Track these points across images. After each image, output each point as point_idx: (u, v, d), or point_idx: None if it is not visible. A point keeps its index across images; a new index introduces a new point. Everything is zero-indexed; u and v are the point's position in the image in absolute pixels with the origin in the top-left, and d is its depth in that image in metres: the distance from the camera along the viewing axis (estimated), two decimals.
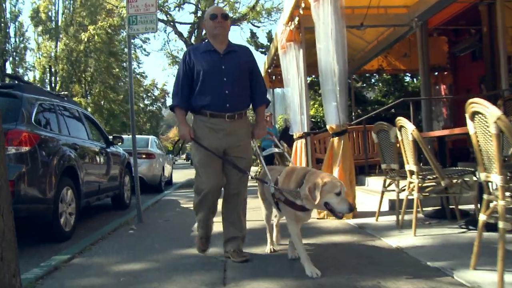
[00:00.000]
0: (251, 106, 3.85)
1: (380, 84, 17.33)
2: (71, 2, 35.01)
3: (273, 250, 3.83)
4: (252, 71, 3.74)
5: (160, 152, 13.12)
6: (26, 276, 3.25)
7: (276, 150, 4.66)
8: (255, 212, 4.84)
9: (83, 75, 35.23)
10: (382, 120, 5.05)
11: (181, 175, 18.90)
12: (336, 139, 5.29)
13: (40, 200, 4.70)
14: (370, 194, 6.39)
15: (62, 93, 7.00)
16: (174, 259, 3.76)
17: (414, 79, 16.83)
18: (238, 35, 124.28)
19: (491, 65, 10.27)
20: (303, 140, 7.16)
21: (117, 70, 36.47)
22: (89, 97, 35.67)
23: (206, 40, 3.84)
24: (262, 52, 17.63)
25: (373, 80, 17.45)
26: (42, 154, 4.83)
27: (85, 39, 21.00)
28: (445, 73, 14.01)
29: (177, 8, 13.67)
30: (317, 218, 5.28)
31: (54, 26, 34.43)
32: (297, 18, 7.03)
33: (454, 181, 4.07)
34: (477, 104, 2.58)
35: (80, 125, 6.76)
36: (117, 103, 36.46)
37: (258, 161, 7.62)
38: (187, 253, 3.95)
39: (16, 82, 6.24)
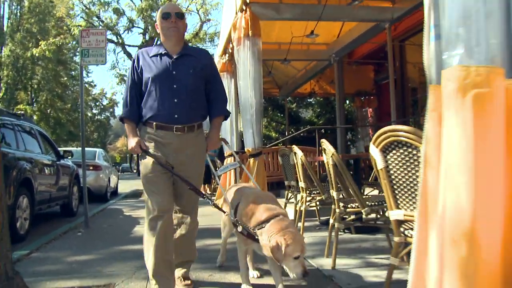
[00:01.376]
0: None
1: (315, 105, 18.91)
2: (18, 7, 34.85)
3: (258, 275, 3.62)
4: (210, 78, 3.35)
5: (107, 164, 13.97)
6: None
7: (234, 166, 4.40)
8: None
9: (30, 82, 35.04)
10: (313, 139, 6.28)
11: (127, 186, 19.63)
12: (251, 160, 6.50)
13: None
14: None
15: (18, 112, 7.88)
16: (114, 252, 4.81)
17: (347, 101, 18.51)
18: None
19: (401, 95, 11.95)
20: (232, 158, 8.35)
21: (65, 78, 36.54)
22: (35, 105, 35.49)
23: (159, 43, 3.39)
24: None
25: (308, 101, 18.99)
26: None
27: (36, 54, 21.27)
28: (371, 97, 15.69)
29: (126, 31, 14.73)
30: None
31: None
32: (230, 51, 8.25)
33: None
34: (323, 142, 3.85)
35: (34, 141, 7.66)
36: (65, 112, 36.48)
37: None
38: (125, 249, 5.01)
39: None
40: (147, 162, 3.13)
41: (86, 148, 12.24)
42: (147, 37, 14.75)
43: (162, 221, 3.05)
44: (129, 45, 14.58)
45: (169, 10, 3.23)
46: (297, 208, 5.60)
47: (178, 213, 3.38)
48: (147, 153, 3.12)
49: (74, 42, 19.71)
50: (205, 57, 3.39)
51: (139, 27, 15.02)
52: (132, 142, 3.16)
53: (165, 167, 3.10)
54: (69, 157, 9.05)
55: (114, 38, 14.62)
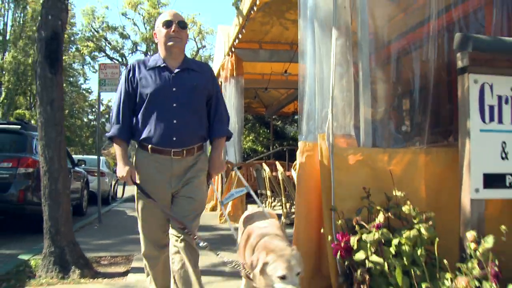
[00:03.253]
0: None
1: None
2: (21, 15, 36.36)
3: None
4: (212, 95, 2.96)
5: (108, 170, 15.62)
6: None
7: (240, 193, 3.77)
8: None
9: (29, 88, 36.42)
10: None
11: (127, 190, 21.21)
12: (233, 172, 8.23)
13: (38, 203, 7.30)
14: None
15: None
16: (127, 239, 6.51)
17: None
18: None
19: None
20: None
21: (64, 84, 37.93)
22: (33, 109, 36.83)
23: (156, 54, 2.99)
24: None
25: (294, 118, 20.79)
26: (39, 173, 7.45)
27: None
28: None
29: (131, 53, 16.57)
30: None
31: (1, 39, 35.47)
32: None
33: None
34: (277, 163, 5.59)
35: None
36: None
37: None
38: (135, 237, 6.61)
39: (20, 122, 8.80)
40: (140, 195, 2.85)
41: (91, 156, 13.97)
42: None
43: (154, 261, 2.97)
44: None
45: (171, 18, 2.81)
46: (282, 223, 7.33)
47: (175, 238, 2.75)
48: (139, 188, 2.81)
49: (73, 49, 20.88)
50: (208, 72, 3.02)
51: (142, 51, 16.85)
52: (123, 171, 2.77)
53: (162, 210, 2.79)
54: (82, 165, 10.71)
55: (119, 58, 16.39)
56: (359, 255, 2.51)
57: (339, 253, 2.60)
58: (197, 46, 16.82)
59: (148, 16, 15.44)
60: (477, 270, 2.42)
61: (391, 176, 2.85)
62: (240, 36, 7.23)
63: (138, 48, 16.54)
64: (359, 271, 2.48)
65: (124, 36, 16.20)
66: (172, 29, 2.80)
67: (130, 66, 2.93)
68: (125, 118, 2.85)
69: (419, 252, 2.53)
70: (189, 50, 19.97)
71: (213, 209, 9.91)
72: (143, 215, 2.90)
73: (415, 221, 2.63)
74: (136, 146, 2.93)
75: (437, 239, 2.52)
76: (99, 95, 9.09)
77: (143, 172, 2.85)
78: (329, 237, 2.79)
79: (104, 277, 4.28)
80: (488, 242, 2.45)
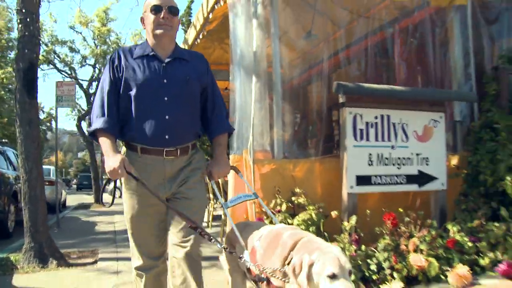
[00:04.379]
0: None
1: None
2: None
3: None
4: (207, 87, 2.66)
5: (59, 180, 16.21)
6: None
7: (249, 198, 2.93)
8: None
9: None
10: None
11: (72, 199, 21.63)
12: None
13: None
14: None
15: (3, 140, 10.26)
16: (89, 238, 7.46)
17: None
18: None
19: None
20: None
21: (2, 92, 37.31)
22: None
23: (143, 42, 2.67)
24: None
25: None
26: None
27: None
28: None
29: (80, 66, 17.25)
30: None
31: None
32: None
33: None
34: None
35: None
36: (1, 126, 37.08)
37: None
38: (95, 237, 7.65)
39: None
40: (131, 199, 2.51)
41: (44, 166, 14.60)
42: (96, 71, 17.24)
43: (149, 274, 2.55)
44: (82, 79, 16.93)
45: (160, 3, 2.50)
46: (209, 212, 8.44)
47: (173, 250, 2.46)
48: (135, 179, 2.40)
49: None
50: (202, 62, 2.69)
51: (90, 64, 17.51)
52: (114, 160, 2.34)
53: (172, 208, 2.44)
54: None
55: (69, 71, 17.01)
56: None
57: None
58: None
59: (98, 33, 16.19)
60: (347, 239, 3.67)
61: (294, 179, 4.07)
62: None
63: (87, 61, 17.22)
64: (212, 238, 3.56)
65: (73, 50, 16.84)
66: (162, 15, 2.48)
67: (115, 54, 2.56)
68: (111, 110, 2.46)
69: (311, 229, 3.74)
70: None
71: None
72: (134, 221, 2.51)
73: (309, 208, 3.85)
74: (122, 147, 2.60)
75: (322, 220, 3.76)
76: (56, 111, 9.89)
77: (133, 173, 2.41)
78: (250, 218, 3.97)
79: (77, 266, 5.26)
80: (353, 220, 3.72)
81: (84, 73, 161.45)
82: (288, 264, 2.03)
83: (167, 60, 2.53)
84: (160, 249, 2.57)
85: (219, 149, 2.69)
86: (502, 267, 3.62)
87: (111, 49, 16.32)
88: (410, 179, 4.27)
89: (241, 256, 2.36)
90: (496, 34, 5.31)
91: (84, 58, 17.12)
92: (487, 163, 4.37)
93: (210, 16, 5.72)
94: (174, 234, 2.44)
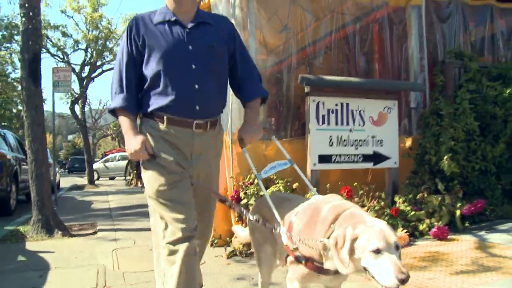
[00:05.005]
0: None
1: None
2: None
3: None
4: (234, 51, 2.50)
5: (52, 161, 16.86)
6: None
7: (285, 165, 2.71)
8: None
9: None
10: None
11: (64, 182, 22.26)
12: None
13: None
14: None
15: None
16: (86, 215, 8.17)
17: None
18: None
19: None
20: None
21: None
22: None
23: (162, 7, 2.44)
24: None
25: None
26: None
27: None
28: None
29: (72, 51, 17.74)
30: None
31: None
32: None
33: None
34: None
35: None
36: None
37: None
38: (92, 213, 8.36)
39: None
40: (157, 171, 2.28)
41: None
42: (88, 55, 17.77)
43: (189, 245, 2.20)
44: (74, 64, 17.41)
45: None
46: None
47: None
48: (158, 161, 2.26)
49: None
50: (227, 25, 2.52)
51: (82, 49, 18.03)
52: (135, 142, 2.26)
53: (199, 184, 2.39)
54: None
55: (61, 55, 17.54)
56: (243, 201, 4.42)
57: (234, 201, 4.51)
58: None
59: (90, 19, 16.67)
60: None
61: (265, 157, 4.79)
62: None
63: (80, 46, 17.75)
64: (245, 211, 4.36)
65: (66, 35, 17.32)
66: None
67: (132, 22, 2.37)
68: (130, 86, 2.33)
69: None
70: None
71: None
72: (165, 189, 2.25)
73: (278, 182, 4.57)
74: (140, 120, 2.43)
75: (289, 192, 4.49)
76: (53, 96, 10.49)
77: (156, 149, 2.28)
78: (229, 193, 4.70)
79: (79, 236, 5.97)
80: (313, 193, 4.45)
81: (77, 58, 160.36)
82: (329, 238, 1.89)
83: (190, 25, 2.34)
84: (195, 222, 2.29)
85: (252, 113, 2.53)
86: (434, 230, 4.41)
87: (103, 34, 16.85)
88: (366, 158, 5.02)
89: (275, 228, 2.21)
90: (447, 32, 6.04)
91: (77, 42, 17.64)
92: (432, 145, 5.12)
93: None
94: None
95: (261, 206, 2.59)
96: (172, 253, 2.20)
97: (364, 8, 5.79)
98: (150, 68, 2.31)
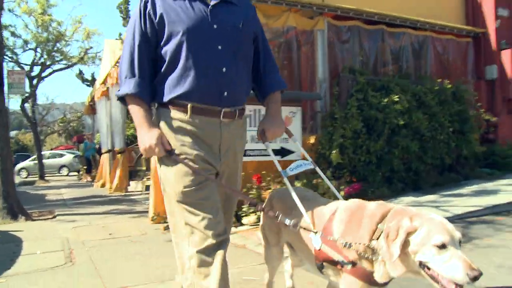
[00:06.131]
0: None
1: None
2: None
3: None
4: (258, 36, 2.25)
5: None
6: None
7: (309, 166, 2.35)
8: None
9: None
10: None
11: None
12: (119, 155, 11.07)
13: None
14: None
15: None
16: (42, 205, 9.13)
17: None
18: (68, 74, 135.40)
19: None
20: (108, 154, 12.78)
21: None
22: None
23: None
24: (87, 85, 23.22)
25: None
26: None
27: None
28: None
29: (22, 51, 18.35)
30: None
31: None
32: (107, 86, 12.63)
33: None
34: None
35: None
36: None
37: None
38: (47, 204, 9.33)
39: None
40: (180, 170, 1.99)
41: None
42: (38, 55, 18.39)
43: (224, 251, 1.97)
44: (24, 64, 17.94)
45: None
46: (143, 183, 10.34)
47: None
48: (176, 159, 1.98)
49: None
50: (252, 9, 2.25)
51: (32, 49, 18.61)
52: (149, 137, 1.97)
53: (225, 186, 2.17)
54: None
55: (12, 56, 18.05)
56: None
57: None
58: (85, 47, 19.00)
59: (42, 22, 17.29)
60: None
61: None
62: None
63: (29, 46, 18.33)
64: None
65: (15, 35, 17.85)
66: None
67: None
68: (143, 69, 2.04)
69: None
70: (78, 50, 22.14)
71: (103, 185, 12.63)
72: (191, 190, 1.98)
73: None
74: (156, 111, 2.12)
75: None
76: (8, 98, 11.32)
77: (176, 143, 2.02)
78: None
79: (41, 220, 7.04)
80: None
81: (26, 57, 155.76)
82: (377, 239, 1.76)
83: (213, 2, 2.05)
84: (224, 223, 2.07)
85: (275, 106, 2.29)
86: None
87: (53, 36, 17.52)
88: (275, 152, 6.39)
89: (314, 231, 2.00)
90: (346, 51, 7.54)
91: (26, 42, 18.20)
92: (327, 141, 6.58)
93: None
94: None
95: (276, 206, 2.43)
96: (204, 264, 1.93)
97: (277, 32, 7.17)
98: (169, 49, 2.00)
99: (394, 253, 1.67)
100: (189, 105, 1.99)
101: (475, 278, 1.54)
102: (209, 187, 2.03)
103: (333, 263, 1.94)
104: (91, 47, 19.17)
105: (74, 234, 5.53)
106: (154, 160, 6.35)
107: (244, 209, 5.63)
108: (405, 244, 1.68)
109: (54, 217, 7.24)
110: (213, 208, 2.02)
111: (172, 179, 2.02)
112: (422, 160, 7.44)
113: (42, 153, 26.45)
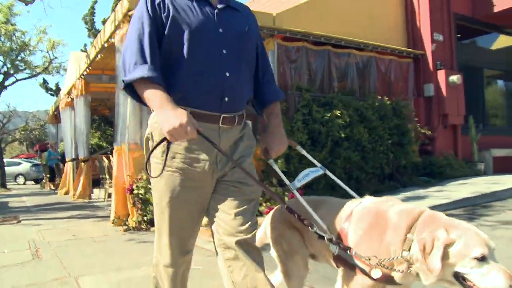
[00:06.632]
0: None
1: None
2: None
3: None
4: (258, 45, 2.23)
5: None
6: None
7: (318, 172, 2.25)
8: None
9: None
10: None
11: None
12: (83, 164, 11.47)
13: None
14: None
15: None
16: (4, 211, 9.44)
17: None
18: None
19: None
20: (72, 162, 13.11)
21: None
22: None
23: None
24: (51, 95, 23.36)
25: None
26: None
27: None
28: None
29: None
30: None
31: None
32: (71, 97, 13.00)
33: None
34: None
35: None
36: None
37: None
38: (8, 211, 9.65)
39: None
40: (171, 180, 1.95)
41: None
42: (1, 63, 18.48)
43: (176, 271, 2.09)
44: None
45: None
46: (106, 190, 10.77)
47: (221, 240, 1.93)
48: (207, 140, 1.87)
49: None
50: (253, 17, 2.22)
51: None
52: (178, 116, 1.76)
53: (227, 156, 1.96)
54: None
55: None
56: (134, 191, 6.22)
57: (129, 192, 6.29)
58: (49, 57, 19.23)
59: (5, 31, 17.45)
60: None
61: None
62: (87, 69, 10.49)
63: None
64: (136, 199, 6.21)
65: None
66: None
67: None
68: (154, 57, 1.90)
69: None
70: (42, 60, 22.31)
71: (66, 193, 12.94)
72: (171, 208, 1.98)
73: None
74: (151, 111, 2.02)
75: None
76: None
77: (175, 151, 1.94)
78: (126, 187, 6.49)
79: (6, 224, 7.43)
80: None
81: None
82: (409, 250, 1.73)
83: (219, 6, 2.03)
84: (193, 243, 2.13)
85: (276, 120, 2.21)
86: (266, 210, 6.49)
87: (17, 46, 17.72)
88: None
89: (318, 233, 1.92)
90: (294, 70, 8.27)
91: None
92: None
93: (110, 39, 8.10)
94: (225, 222, 1.93)
95: (286, 215, 2.19)
96: (163, 275, 2.12)
97: None
98: (170, 48, 1.94)
99: (436, 266, 1.64)
100: (188, 111, 1.82)
101: None
102: (189, 206, 2.01)
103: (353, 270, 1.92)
104: (55, 57, 19.43)
105: (39, 236, 5.98)
106: (115, 167, 6.93)
107: None
108: (444, 255, 1.66)
109: (19, 221, 7.63)
110: (184, 226, 2.03)
111: (160, 194, 2.00)
112: (363, 170, 8.23)
113: None
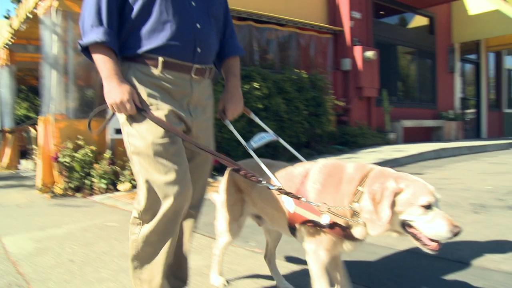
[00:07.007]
0: None
1: None
2: None
3: None
4: (225, 4, 2.25)
5: None
6: None
7: (270, 137, 2.42)
8: None
9: None
10: None
11: None
12: (9, 135, 11.42)
13: None
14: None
15: None
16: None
17: None
18: None
19: None
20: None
21: None
22: None
23: None
24: None
25: None
26: None
27: None
28: None
29: None
30: None
31: None
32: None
33: None
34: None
35: None
36: None
37: None
38: None
39: None
40: (151, 123, 1.91)
41: None
42: None
43: (182, 216, 2.01)
44: None
45: None
46: (34, 162, 10.81)
47: None
48: (146, 115, 1.90)
49: None
50: None
51: None
52: (120, 91, 1.86)
53: (196, 144, 1.99)
54: None
55: None
56: (60, 159, 6.51)
57: (55, 160, 6.58)
58: None
59: None
60: (106, 161, 6.68)
61: (78, 131, 6.91)
62: (12, 40, 10.37)
63: None
64: (62, 166, 6.52)
65: None
66: None
67: None
68: (112, 19, 1.90)
69: (87, 159, 6.66)
70: None
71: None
72: (159, 151, 1.91)
73: (86, 147, 6.73)
74: (123, 64, 1.99)
75: (94, 154, 6.70)
76: None
77: (148, 98, 1.95)
78: (52, 154, 6.77)
79: None
80: (109, 153, 6.76)
81: None
82: (357, 201, 1.80)
83: None
84: (191, 189, 2.02)
85: (234, 80, 2.24)
86: None
87: None
88: None
89: (276, 188, 2.00)
90: None
91: None
92: None
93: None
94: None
95: (236, 176, 2.37)
96: (167, 220, 1.96)
97: None
98: (140, 0, 1.91)
99: (385, 213, 1.72)
100: (160, 59, 1.92)
101: (456, 234, 1.68)
102: (180, 143, 1.98)
103: (308, 223, 1.97)
104: None
105: None
106: (41, 137, 7.15)
107: (120, 178, 6.60)
108: (393, 203, 1.74)
109: None
110: (179, 166, 1.94)
111: (143, 132, 1.92)
112: (281, 138, 8.85)
113: None
